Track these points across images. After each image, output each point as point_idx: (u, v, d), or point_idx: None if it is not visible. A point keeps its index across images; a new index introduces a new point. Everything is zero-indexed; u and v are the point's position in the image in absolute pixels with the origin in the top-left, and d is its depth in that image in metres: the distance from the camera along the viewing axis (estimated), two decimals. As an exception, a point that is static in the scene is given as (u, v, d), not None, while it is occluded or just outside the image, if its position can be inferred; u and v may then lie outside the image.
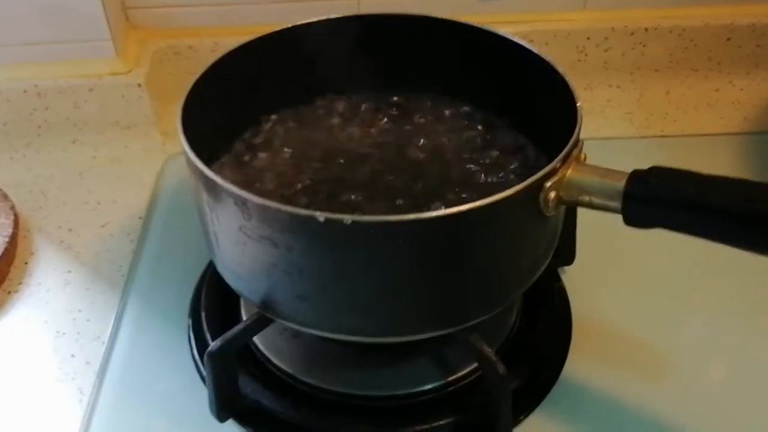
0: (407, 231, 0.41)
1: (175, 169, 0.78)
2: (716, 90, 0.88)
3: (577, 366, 0.57)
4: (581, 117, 0.48)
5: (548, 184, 0.43)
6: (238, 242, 0.45)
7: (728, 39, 0.86)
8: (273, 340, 0.55)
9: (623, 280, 0.64)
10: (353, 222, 0.40)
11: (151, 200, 0.74)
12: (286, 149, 0.58)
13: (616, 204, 0.43)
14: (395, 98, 0.63)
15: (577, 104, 0.49)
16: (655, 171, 0.42)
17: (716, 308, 0.62)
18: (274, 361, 0.54)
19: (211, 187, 0.44)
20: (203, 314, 0.58)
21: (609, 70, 0.87)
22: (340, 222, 0.40)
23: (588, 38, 0.85)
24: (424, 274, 0.44)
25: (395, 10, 0.61)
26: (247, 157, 0.58)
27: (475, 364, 0.53)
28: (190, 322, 0.59)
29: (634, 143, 0.81)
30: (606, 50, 0.86)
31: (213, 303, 0.59)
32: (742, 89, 0.88)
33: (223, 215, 0.45)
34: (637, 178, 0.43)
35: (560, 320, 0.59)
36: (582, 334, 0.59)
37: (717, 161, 0.79)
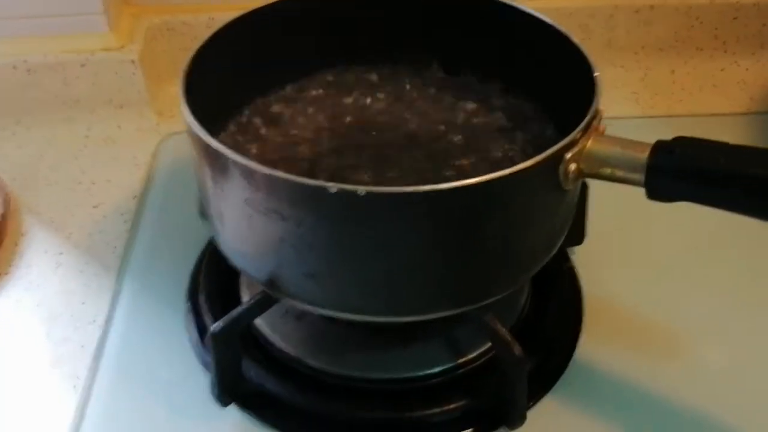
0: (423, 203, 0.39)
1: (170, 150, 0.75)
2: (722, 70, 0.86)
3: (589, 348, 0.55)
4: (600, 86, 0.46)
5: (568, 155, 0.42)
6: (244, 216, 0.43)
7: (734, 18, 0.84)
8: (276, 322, 0.53)
9: (634, 260, 0.63)
10: (367, 193, 0.38)
11: (146, 180, 0.72)
12: (289, 123, 0.56)
13: (639, 176, 0.41)
14: (398, 69, 0.61)
15: (595, 74, 0.47)
16: (681, 141, 0.41)
17: (730, 287, 0.60)
18: (278, 344, 0.52)
19: (216, 158, 0.42)
20: (202, 297, 0.56)
21: (613, 49, 0.85)
22: (354, 193, 0.38)
23: (592, 16, 0.83)
24: (439, 250, 0.42)
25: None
26: (248, 134, 0.56)
27: (487, 346, 0.52)
28: (189, 305, 0.57)
29: (640, 123, 0.80)
30: (610, 29, 0.84)
31: (212, 285, 0.57)
32: (747, 69, 0.86)
33: (228, 188, 0.43)
34: (661, 148, 0.41)
35: (571, 301, 0.57)
36: (593, 316, 0.57)
37: (724, 140, 0.77)
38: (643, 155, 0.41)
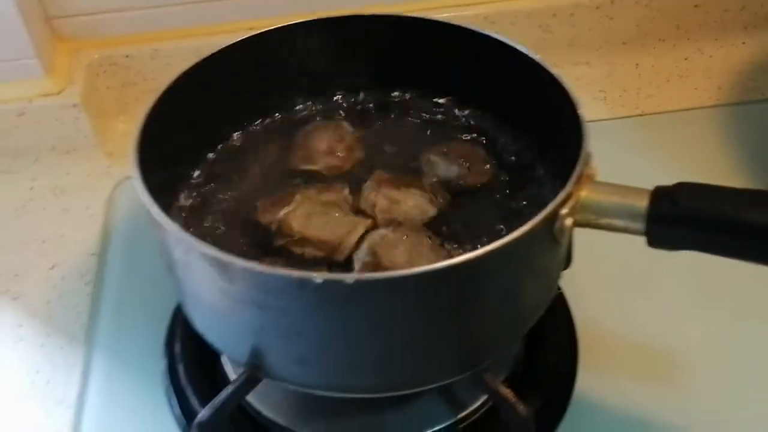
0: (416, 285, 0.36)
1: (125, 195, 0.70)
2: (685, 59, 0.85)
3: (589, 382, 0.53)
4: (586, 128, 0.43)
5: (564, 210, 0.39)
6: (221, 304, 0.39)
7: (695, 5, 0.82)
8: (263, 391, 0.50)
9: (624, 282, 0.61)
10: (356, 281, 0.35)
11: (104, 233, 0.67)
12: (251, 172, 0.53)
13: (640, 226, 0.39)
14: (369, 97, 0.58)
15: (578, 111, 0.44)
16: (684, 188, 0.38)
17: (723, 307, 0.59)
18: (268, 415, 0.49)
19: (184, 247, 0.38)
20: (180, 367, 0.53)
21: (575, 47, 0.83)
22: (341, 282, 0.35)
23: (554, 15, 0.80)
24: (438, 325, 0.39)
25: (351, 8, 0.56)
26: (215, 183, 0.52)
27: (485, 396, 0.49)
28: (168, 378, 0.53)
29: (610, 126, 0.78)
30: (572, 26, 0.81)
31: (190, 352, 0.54)
32: (711, 56, 0.85)
33: (200, 276, 0.39)
34: (661, 196, 0.39)
35: (565, 335, 0.55)
36: (588, 346, 0.55)
37: (696, 137, 0.76)
38: (643, 204, 0.39)
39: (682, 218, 0.38)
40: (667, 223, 0.38)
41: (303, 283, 0.35)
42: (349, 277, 0.35)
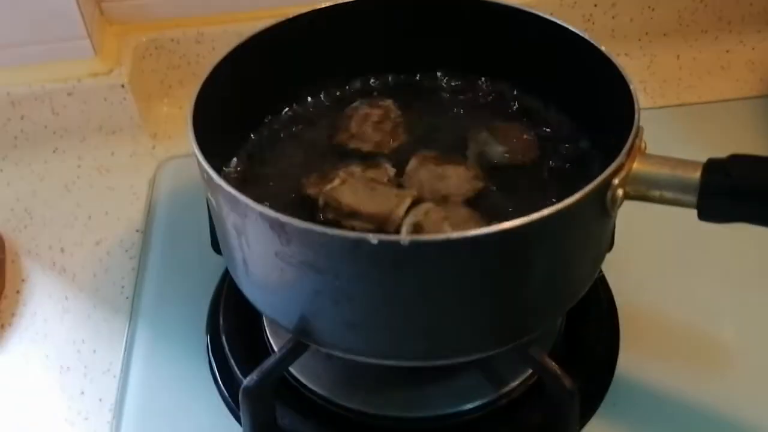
0: (471, 248, 0.36)
1: (169, 175, 0.72)
2: (727, 51, 0.84)
3: (630, 364, 0.53)
4: (638, 102, 0.43)
5: (616, 181, 0.39)
6: (274, 268, 0.40)
7: (739, -3, 0.82)
8: (306, 362, 0.50)
9: (665, 265, 0.60)
10: (411, 242, 0.35)
11: (148, 210, 0.68)
12: (297, 150, 0.53)
13: (691, 198, 0.39)
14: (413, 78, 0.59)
15: (630, 86, 0.44)
16: (736, 160, 0.38)
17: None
18: (311, 386, 0.50)
19: (240, 210, 0.39)
20: (224, 338, 0.53)
21: (617, 38, 0.83)
22: (396, 243, 0.35)
23: (595, 5, 0.80)
24: (489, 292, 0.39)
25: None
26: (260, 162, 0.52)
27: (528, 373, 0.49)
28: (211, 349, 0.54)
29: (651, 114, 0.76)
30: (613, 17, 0.81)
31: (233, 324, 0.54)
32: (753, 48, 0.84)
33: (255, 240, 0.40)
34: (714, 167, 0.39)
35: (606, 313, 0.55)
36: (629, 326, 0.55)
37: (737, 128, 0.75)
38: (695, 175, 0.39)
39: (735, 190, 0.38)
40: (720, 195, 0.38)
41: (358, 244, 0.36)
42: (404, 239, 0.35)
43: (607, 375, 0.52)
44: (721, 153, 0.72)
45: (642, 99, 0.78)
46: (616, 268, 0.59)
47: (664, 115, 0.77)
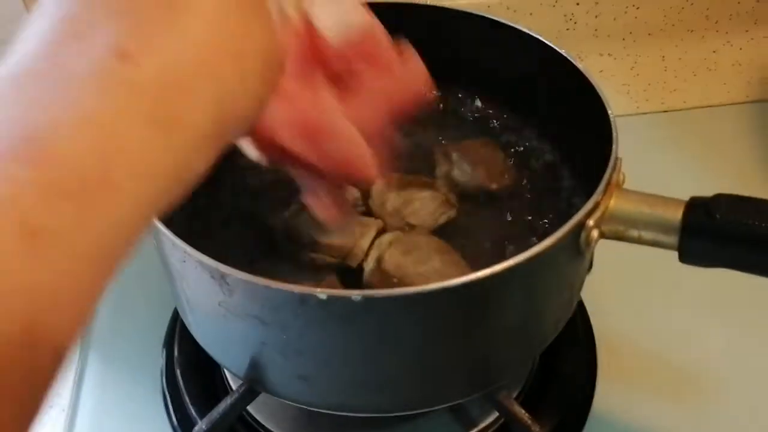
0: (430, 302, 0.33)
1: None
2: (714, 51, 0.81)
3: (607, 397, 0.50)
4: (616, 132, 0.40)
5: (591, 222, 0.36)
6: (218, 317, 0.37)
7: (728, -5, 0.78)
8: (264, 401, 0.47)
9: (643, 292, 0.57)
10: (363, 298, 0.32)
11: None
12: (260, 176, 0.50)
13: (672, 239, 0.36)
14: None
15: (608, 113, 0.41)
16: (722, 200, 0.35)
17: (745, 321, 0.56)
18: (268, 426, 0.47)
19: (178, 255, 0.35)
20: (179, 373, 0.50)
21: (600, 38, 0.79)
22: (347, 299, 0.32)
23: (577, 3, 0.76)
24: (450, 343, 0.36)
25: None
26: (215, 190, 0.49)
27: (497, 414, 0.46)
28: (165, 383, 0.51)
29: (634, 121, 0.74)
30: (596, 16, 0.78)
31: (189, 357, 0.51)
32: (741, 49, 0.81)
33: (197, 287, 0.36)
34: (697, 208, 0.35)
35: (583, 346, 0.52)
36: (607, 358, 0.52)
37: (723, 136, 0.72)
38: (676, 215, 0.36)
39: (719, 233, 0.35)
40: (702, 237, 0.35)
41: (306, 299, 0.32)
42: (355, 294, 0.32)
43: (583, 412, 0.49)
44: (706, 164, 0.70)
45: (625, 103, 0.76)
46: (594, 295, 0.55)
47: (648, 122, 0.74)
